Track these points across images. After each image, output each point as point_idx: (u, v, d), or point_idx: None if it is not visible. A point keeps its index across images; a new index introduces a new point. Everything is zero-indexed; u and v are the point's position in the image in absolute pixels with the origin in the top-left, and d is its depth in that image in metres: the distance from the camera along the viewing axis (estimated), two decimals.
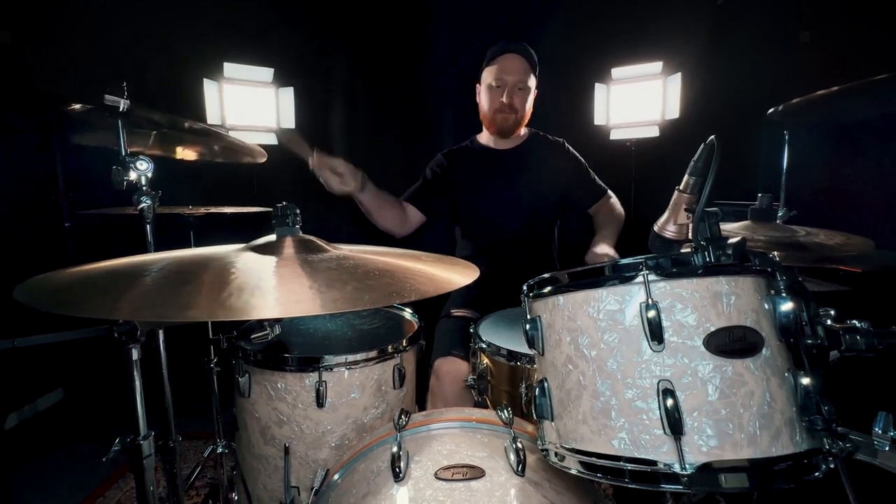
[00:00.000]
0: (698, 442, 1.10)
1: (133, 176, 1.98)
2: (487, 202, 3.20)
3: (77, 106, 1.97)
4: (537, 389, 1.36)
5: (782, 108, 1.92)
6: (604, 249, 2.90)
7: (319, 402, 2.08)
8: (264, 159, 2.61)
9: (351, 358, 2.13)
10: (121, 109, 1.93)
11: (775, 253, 1.23)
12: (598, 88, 4.70)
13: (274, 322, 1.81)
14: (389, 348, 2.23)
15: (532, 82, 3.17)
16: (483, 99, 3.22)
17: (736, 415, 1.10)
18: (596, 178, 3.40)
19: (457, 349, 2.59)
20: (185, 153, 2.60)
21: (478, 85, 3.28)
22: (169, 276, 1.29)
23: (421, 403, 2.62)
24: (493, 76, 3.12)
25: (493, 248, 3.23)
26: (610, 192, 3.40)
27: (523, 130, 3.32)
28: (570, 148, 3.42)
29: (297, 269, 1.34)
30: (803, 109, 1.90)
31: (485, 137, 3.38)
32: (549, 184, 3.23)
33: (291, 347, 2.27)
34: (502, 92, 3.11)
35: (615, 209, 3.35)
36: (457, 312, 3.02)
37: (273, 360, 2.14)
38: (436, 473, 1.39)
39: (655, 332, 1.14)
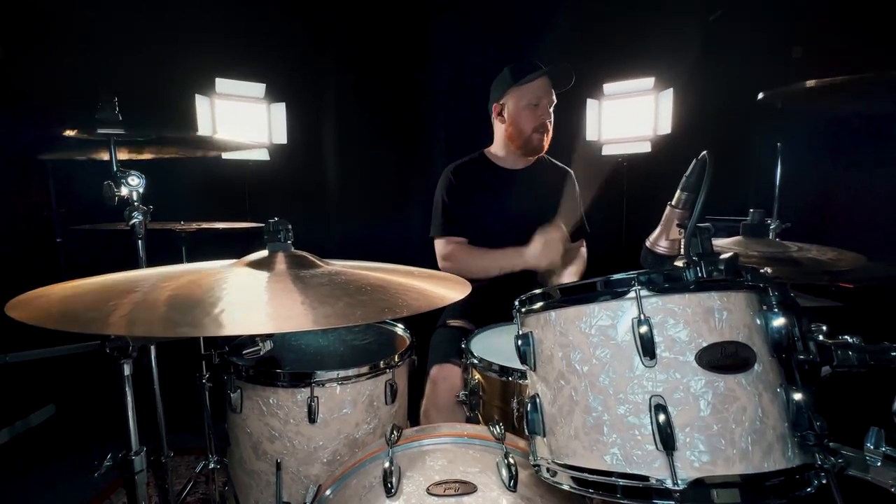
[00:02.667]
0: (690, 457, 1.10)
1: (125, 191, 1.98)
2: (495, 218, 3.19)
3: (70, 132, 1.98)
4: (529, 405, 1.36)
5: (774, 93, 1.92)
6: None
7: (311, 417, 2.08)
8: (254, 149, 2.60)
9: (343, 373, 2.13)
10: (111, 129, 1.94)
11: (767, 268, 1.23)
12: (590, 104, 4.73)
13: (266, 337, 1.81)
14: (381, 364, 2.22)
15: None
16: (517, 118, 3.19)
17: (728, 430, 1.10)
18: (584, 219, 3.45)
19: (454, 357, 2.59)
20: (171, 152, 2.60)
21: (497, 105, 3.27)
22: (161, 291, 1.29)
23: (413, 419, 2.61)
24: (533, 96, 3.12)
25: None
26: (584, 241, 3.47)
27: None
28: (576, 181, 3.45)
29: (289, 285, 1.34)
30: (797, 95, 1.90)
31: (500, 154, 3.36)
32: (552, 207, 3.21)
33: (283, 363, 2.27)
34: (541, 112, 3.13)
35: (582, 256, 3.42)
36: (453, 323, 3.02)
37: (265, 375, 2.13)
38: (428, 489, 1.39)
39: (647, 347, 1.14)
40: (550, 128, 3.20)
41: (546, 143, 3.22)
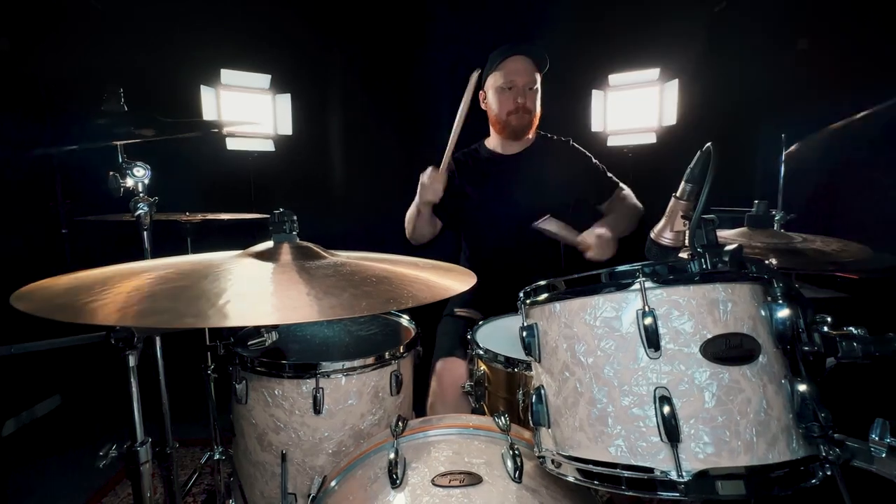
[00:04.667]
0: (695, 449, 1.10)
1: (130, 182, 1.98)
2: (496, 207, 3.18)
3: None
4: (534, 396, 1.36)
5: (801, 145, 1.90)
6: (598, 230, 2.90)
7: (316, 408, 2.08)
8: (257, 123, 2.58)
9: (348, 364, 2.14)
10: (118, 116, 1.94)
11: (772, 260, 1.23)
12: (596, 95, 4.71)
13: (271, 328, 1.81)
14: (387, 355, 2.23)
15: (539, 82, 3.20)
16: (493, 103, 3.22)
17: (733, 422, 1.10)
18: (607, 172, 3.38)
19: (458, 350, 2.59)
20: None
21: (482, 92, 3.30)
22: (166, 282, 1.29)
23: (419, 409, 2.61)
24: (503, 79, 3.13)
25: (500, 253, 3.21)
26: (622, 186, 3.36)
27: (531, 133, 3.31)
28: (576, 146, 3.41)
29: (295, 276, 1.34)
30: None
31: (493, 142, 3.39)
32: (558, 185, 3.22)
33: (288, 354, 2.28)
34: (515, 94, 3.12)
35: (627, 200, 3.30)
36: (460, 312, 3.04)
37: (270, 366, 2.14)
38: (433, 480, 1.39)
39: (652, 339, 1.14)
40: (535, 110, 3.21)
41: (529, 125, 3.23)
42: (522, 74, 3.12)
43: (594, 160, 3.38)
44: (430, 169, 2.98)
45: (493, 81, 3.20)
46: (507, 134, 3.25)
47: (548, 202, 3.13)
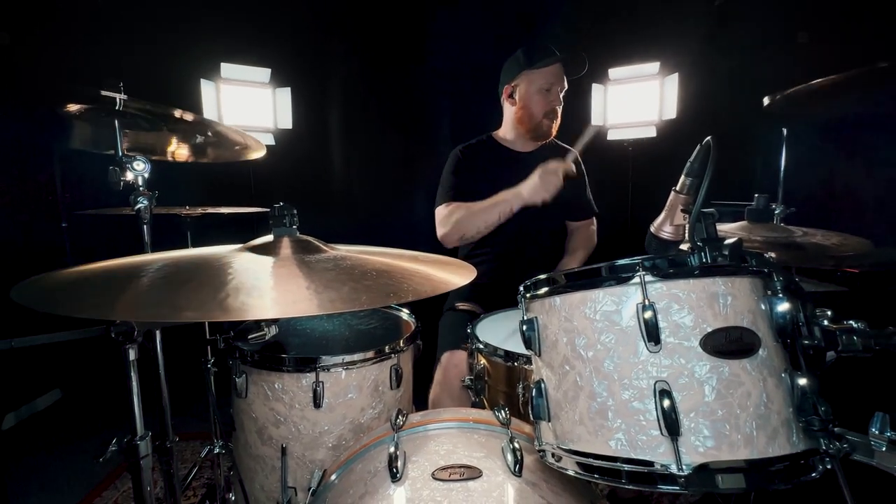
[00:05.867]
0: (695, 443, 1.10)
1: (130, 176, 1.97)
2: None
3: (74, 107, 1.97)
4: (534, 390, 1.36)
5: (779, 97, 1.91)
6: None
7: (316, 402, 2.09)
8: (263, 153, 2.58)
9: (348, 358, 2.14)
10: (117, 107, 1.93)
11: (772, 253, 1.23)
12: (596, 89, 4.71)
13: (271, 322, 1.81)
14: (387, 349, 2.23)
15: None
16: (530, 102, 3.20)
17: (733, 415, 1.10)
18: (591, 198, 3.49)
19: (465, 342, 2.59)
20: (178, 151, 2.57)
21: (508, 86, 3.27)
22: (166, 276, 1.29)
23: (419, 403, 2.61)
24: (545, 81, 3.15)
25: (502, 245, 3.21)
26: (594, 218, 3.52)
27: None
28: (581, 161, 3.44)
29: (295, 270, 1.34)
30: (801, 100, 1.89)
31: (509, 137, 3.38)
32: (562, 189, 3.19)
33: (288, 348, 2.28)
34: (552, 97, 3.16)
35: (592, 235, 3.48)
36: (462, 306, 3.04)
37: (270, 360, 2.14)
38: (433, 474, 1.39)
39: (652, 332, 1.14)
40: (559, 113, 3.21)
41: (555, 129, 3.24)
42: (560, 79, 3.17)
43: (587, 181, 3.46)
44: (553, 161, 2.89)
45: (529, 80, 3.19)
46: (534, 134, 3.26)
47: (550, 204, 3.13)
